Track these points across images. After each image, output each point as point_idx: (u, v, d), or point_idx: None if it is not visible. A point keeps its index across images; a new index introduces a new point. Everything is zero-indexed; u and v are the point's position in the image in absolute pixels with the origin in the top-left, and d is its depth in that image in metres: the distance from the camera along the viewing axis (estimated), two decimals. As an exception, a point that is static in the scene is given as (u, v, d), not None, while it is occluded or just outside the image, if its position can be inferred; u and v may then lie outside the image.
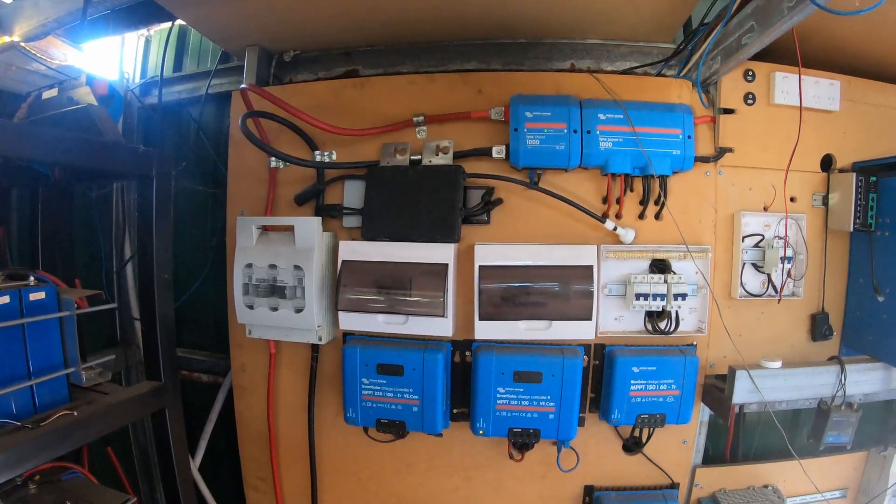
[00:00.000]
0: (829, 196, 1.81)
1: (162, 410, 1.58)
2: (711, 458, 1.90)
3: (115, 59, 2.28)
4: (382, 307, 1.59)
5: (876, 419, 2.04)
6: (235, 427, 1.91)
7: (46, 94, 1.93)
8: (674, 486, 1.80)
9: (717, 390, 1.70)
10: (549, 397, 1.56)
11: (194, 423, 2.02)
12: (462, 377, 1.67)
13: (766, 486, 1.89)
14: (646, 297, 1.61)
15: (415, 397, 1.59)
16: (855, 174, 1.70)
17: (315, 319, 1.61)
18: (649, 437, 1.72)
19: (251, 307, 1.65)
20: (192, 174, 2.05)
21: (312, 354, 1.73)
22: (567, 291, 1.57)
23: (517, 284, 1.57)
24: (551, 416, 1.57)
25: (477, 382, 1.57)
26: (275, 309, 1.64)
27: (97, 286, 2.09)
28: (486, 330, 1.58)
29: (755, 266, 1.78)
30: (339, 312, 1.61)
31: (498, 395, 1.56)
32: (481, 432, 1.59)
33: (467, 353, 1.67)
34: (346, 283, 1.60)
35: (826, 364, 1.71)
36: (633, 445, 1.74)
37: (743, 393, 1.62)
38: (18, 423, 1.21)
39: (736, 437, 1.94)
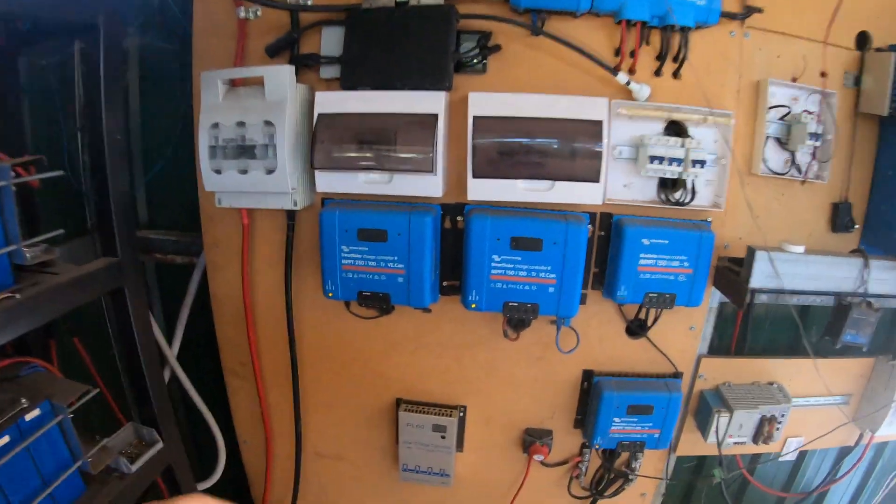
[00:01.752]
0: (863, 77, 1.48)
1: (120, 290, 1.29)
2: (717, 349, 1.63)
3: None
4: (364, 164, 1.28)
5: (886, 327, 1.76)
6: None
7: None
8: (677, 374, 1.55)
9: (731, 273, 1.41)
10: (549, 268, 1.27)
11: (173, 309, 1.76)
12: (453, 246, 1.38)
13: (771, 383, 1.64)
14: (661, 160, 1.30)
15: (400, 266, 1.29)
16: (894, 55, 1.38)
17: (288, 181, 1.30)
18: (655, 319, 1.44)
19: (219, 172, 1.34)
20: (156, 34, 1.68)
21: (288, 223, 1.43)
22: (573, 149, 1.25)
23: (517, 139, 1.25)
24: (551, 290, 1.29)
25: (469, 249, 1.28)
26: (244, 172, 1.33)
27: (59, 167, 1.77)
28: (480, 190, 1.27)
29: (779, 141, 1.46)
30: (316, 172, 1.30)
31: (493, 264, 1.27)
32: (473, 306, 1.31)
33: (459, 219, 1.37)
34: (322, 138, 1.28)
35: (849, 256, 1.40)
36: (637, 328, 1.47)
37: (761, 277, 1.33)
38: None
39: (743, 330, 1.68)
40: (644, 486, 1.68)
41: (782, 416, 1.57)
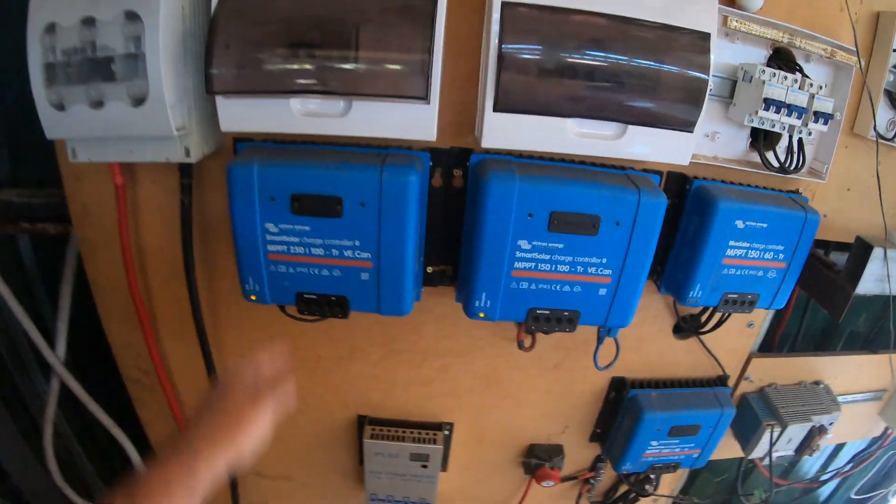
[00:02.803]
0: None
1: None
2: (764, 345, 1.20)
3: None
4: (301, 83, 0.66)
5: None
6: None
7: None
8: (723, 378, 1.10)
9: (825, 269, 0.94)
10: (605, 260, 0.74)
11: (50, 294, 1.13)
12: (444, 213, 0.82)
13: (817, 383, 1.25)
14: (779, 107, 0.75)
15: (365, 255, 0.73)
16: None
17: (170, 115, 0.67)
18: (721, 321, 0.96)
19: (60, 107, 0.70)
20: None
21: (182, 181, 0.81)
22: (660, 74, 0.68)
23: (569, 53, 0.66)
24: (602, 291, 0.77)
25: (482, 228, 0.72)
26: (99, 104, 0.69)
27: None
28: (504, 131, 0.70)
29: (890, 96, 0.94)
30: (217, 98, 0.68)
31: (518, 253, 0.73)
32: (482, 315, 0.78)
33: (456, 172, 0.80)
34: (226, 39, 0.65)
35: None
36: (690, 328, 0.99)
37: (871, 281, 0.89)
38: None
39: (787, 324, 1.25)
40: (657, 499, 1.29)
41: (831, 424, 1.21)
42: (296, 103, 0.69)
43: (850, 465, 1.56)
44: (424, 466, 1.07)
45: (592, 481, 1.23)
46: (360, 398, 1.08)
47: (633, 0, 0.67)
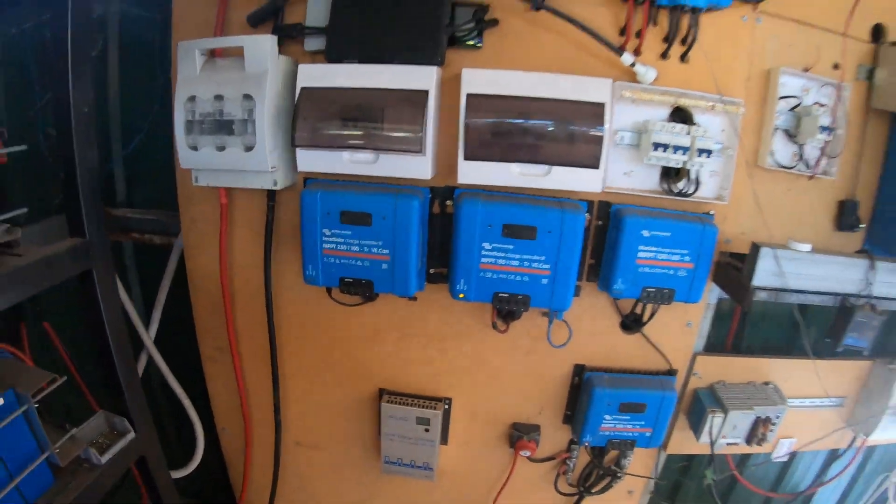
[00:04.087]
0: (876, 71, 1.43)
1: (89, 272, 1.22)
2: (712, 346, 1.60)
3: None
4: (348, 143, 1.21)
5: (886, 330, 1.72)
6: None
7: None
8: (671, 372, 1.51)
9: (733, 269, 1.37)
10: (543, 258, 1.22)
11: (152, 291, 1.70)
12: (441, 231, 1.33)
13: (767, 384, 1.61)
14: (665, 148, 1.24)
15: (385, 252, 1.24)
16: None
17: (268, 159, 1.24)
18: (652, 315, 1.40)
19: (195, 148, 1.28)
20: (139, 2, 1.60)
21: (268, 203, 1.37)
22: (572, 132, 1.19)
23: (513, 120, 1.19)
24: (544, 281, 1.24)
25: (459, 235, 1.22)
26: (221, 149, 1.26)
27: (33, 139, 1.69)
28: (471, 172, 1.22)
29: (787, 133, 1.41)
30: (297, 150, 1.24)
31: (483, 252, 1.22)
32: (461, 296, 1.26)
33: (448, 203, 1.32)
34: (304, 114, 1.21)
35: (857, 257, 1.37)
36: (632, 323, 1.43)
37: (765, 275, 1.30)
38: None
39: (740, 328, 1.64)
40: (632, 484, 1.66)
41: (777, 417, 1.55)
42: (345, 155, 1.23)
43: (828, 476, 1.86)
44: (427, 430, 1.51)
45: (568, 462, 1.61)
46: (381, 374, 1.55)
47: (551, 85, 1.19)
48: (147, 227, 1.66)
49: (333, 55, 1.23)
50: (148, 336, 1.68)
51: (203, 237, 1.48)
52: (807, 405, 1.67)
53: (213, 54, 1.30)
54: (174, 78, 1.35)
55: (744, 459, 1.82)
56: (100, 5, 1.58)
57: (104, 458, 1.24)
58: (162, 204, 1.68)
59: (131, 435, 1.31)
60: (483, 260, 1.23)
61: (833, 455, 1.86)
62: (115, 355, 1.28)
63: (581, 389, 1.49)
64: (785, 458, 1.75)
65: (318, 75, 1.22)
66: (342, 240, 1.25)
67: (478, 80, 1.18)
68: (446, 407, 1.55)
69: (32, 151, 1.25)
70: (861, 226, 1.53)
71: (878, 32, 1.42)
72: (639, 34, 1.26)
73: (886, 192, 1.52)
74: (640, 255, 1.27)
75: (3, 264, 1.06)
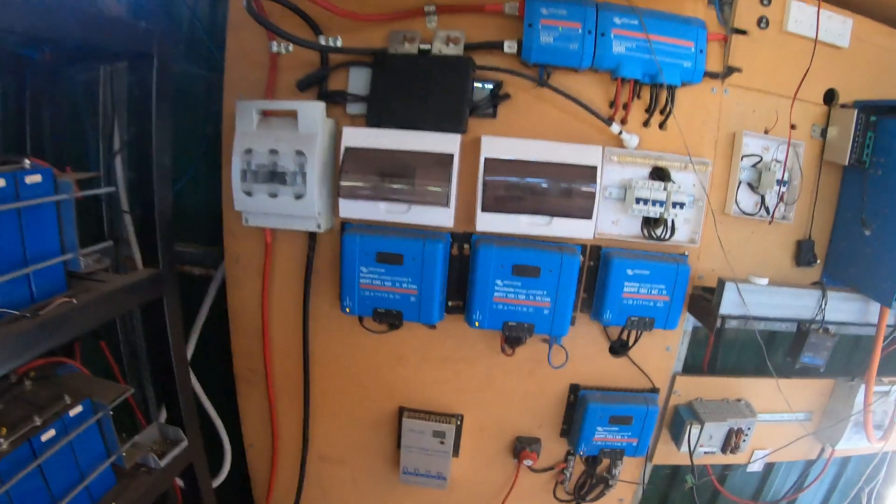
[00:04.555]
0: (829, 129, 1.78)
1: (160, 300, 1.48)
2: (690, 368, 1.91)
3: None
4: (385, 195, 1.51)
5: (847, 351, 2.08)
6: (226, 320, 1.84)
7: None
8: (654, 390, 1.81)
9: (704, 301, 1.69)
10: (545, 292, 1.52)
11: (186, 316, 1.95)
12: (459, 270, 1.62)
13: (739, 400, 1.92)
14: (645, 202, 1.56)
15: (413, 287, 1.53)
16: (856, 111, 1.67)
17: (315, 206, 1.52)
18: (636, 340, 1.71)
19: (249, 194, 1.56)
20: (185, 61, 1.89)
21: (310, 243, 1.66)
22: (570, 189, 1.51)
23: (521, 179, 1.50)
24: (546, 312, 1.54)
25: (475, 273, 1.52)
26: (274, 196, 1.55)
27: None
28: (487, 222, 1.52)
29: (750, 186, 1.75)
30: (340, 200, 1.53)
31: (496, 288, 1.52)
32: (477, 324, 1.55)
33: (465, 246, 1.61)
34: (348, 169, 1.51)
35: (809, 288, 1.71)
36: (619, 347, 1.73)
37: (730, 305, 1.61)
38: (17, 312, 1.11)
39: (715, 351, 1.95)
40: (622, 493, 1.94)
41: (748, 428, 1.85)
42: (382, 205, 1.53)
43: (805, 484, 2.17)
44: (442, 443, 1.78)
45: (565, 472, 1.90)
46: (402, 393, 1.82)
47: (553, 151, 1.50)
48: (187, 258, 1.93)
49: (374, 121, 1.54)
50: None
51: (245, 271, 1.75)
52: (777, 419, 1.97)
53: (265, 113, 1.60)
54: (227, 130, 1.65)
55: (724, 470, 2.12)
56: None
57: (163, 463, 1.48)
58: (200, 239, 1.96)
59: (185, 443, 1.56)
60: (496, 294, 1.52)
61: (809, 467, 2.17)
62: (177, 373, 1.54)
63: (577, 405, 1.78)
64: (760, 468, 2.06)
65: (360, 137, 1.52)
66: (377, 276, 1.53)
67: (494, 146, 1.50)
68: (458, 422, 1.83)
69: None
70: (817, 261, 1.87)
71: (829, 96, 1.77)
72: (625, 106, 1.60)
73: (838, 231, 1.84)
74: (626, 289, 1.57)
75: (93, 289, 1.30)
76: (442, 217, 1.51)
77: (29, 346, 1.09)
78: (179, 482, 1.68)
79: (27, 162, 1.19)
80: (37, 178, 1.19)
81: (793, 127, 1.73)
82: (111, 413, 1.35)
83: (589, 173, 1.50)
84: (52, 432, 1.19)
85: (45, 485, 1.17)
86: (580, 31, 1.50)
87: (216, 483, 1.97)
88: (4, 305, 1.10)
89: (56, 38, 1.34)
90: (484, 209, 1.49)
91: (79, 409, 1.27)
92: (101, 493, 1.35)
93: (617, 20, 1.51)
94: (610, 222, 1.63)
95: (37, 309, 1.14)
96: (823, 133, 1.79)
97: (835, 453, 2.08)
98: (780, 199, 1.76)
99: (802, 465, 2.22)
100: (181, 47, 1.87)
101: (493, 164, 1.48)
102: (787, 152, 1.69)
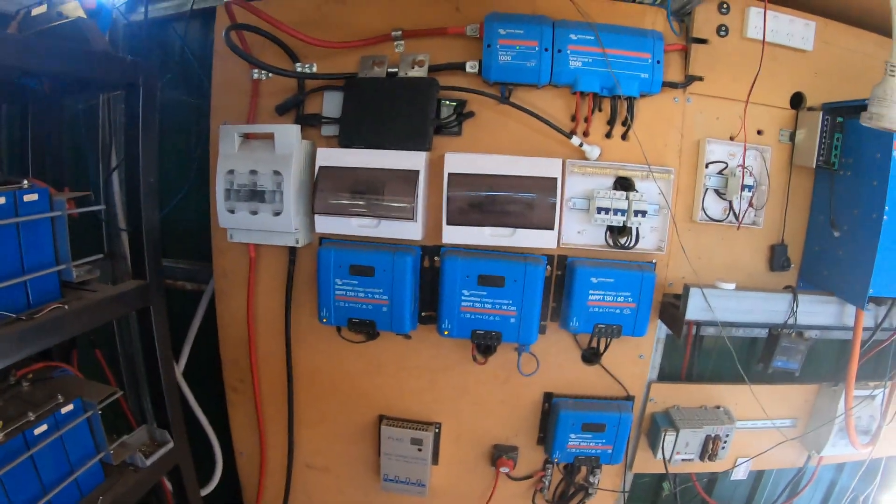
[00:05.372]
0: (797, 132, 1.83)
1: (147, 309, 1.62)
2: (667, 376, 1.96)
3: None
4: (356, 211, 1.62)
5: (831, 356, 2.10)
6: (215, 335, 1.96)
7: (35, 11, 1.92)
8: (629, 398, 1.87)
9: (672, 308, 1.75)
10: (510, 301, 1.61)
11: (180, 330, 2.07)
12: (431, 282, 1.73)
13: (718, 407, 1.96)
14: (607, 211, 1.65)
15: (385, 297, 1.63)
16: (822, 113, 1.72)
17: (292, 222, 1.65)
18: (606, 347, 1.78)
19: (232, 211, 1.69)
20: (177, 87, 2.06)
21: (290, 258, 1.79)
22: (532, 201, 1.60)
23: (484, 193, 1.60)
24: (512, 320, 1.62)
25: (443, 285, 1.63)
26: (254, 213, 1.68)
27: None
28: (453, 235, 1.63)
29: (717, 192, 1.81)
30: (316, 216, 1.65)
31: (462, 298, 1.62)
32: (446, 332, 1.65)
33: (436, 259, 1.72)
34: (322, 187, 1.63)
35: (779, 292, 1.76)
36: (591, 356, 1.80)
37: (696, 310, 1.68)
38: (14, 316, 1.26)
39: (692, 359, 2.00)
40: (603, 501, 1.99)
41: (727, 435, 1.89)
42: (354, 220, 1.65)
43: (786, 495, 2.18)
44: (420, 450, 1.86)
45: (544, 479, 1.95)
46: (381, 402, 1.92)
47: (515, 166, 1.61)
48: (180, 275, 2.07)
49: (345, 141, 1.67)
50: (177, 368, 2.04)
51: (232, 285, 1.87)
52: (759, 426, 2.00)
53: (247, 136, 1.72)
54: (213, 152, 1.78)
55: (711, 479, 2.14)
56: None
57: (148, 462, 1.60)
58: (189, 256, 2.09)
59: (171, 444, 1.67)
60: (463, 303, 1.62)
61: (799, 473, 2.17)
62: (164, 377, 1.66)
63: (550, 412, 1.84)
64: (745, 476, 2.08)
65: (333, 157, 1.64)
66: (351, 287, 1.64)
67: (457, 161, 1.61)
68: (436, 430, 1.91)
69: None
70: (791, 265, 1.90)
71: (797, 100, 1.83)
72: (586, 119, 1.69)
73: (811, 234, 1.88)
74: (591, 297, 1.65)
75: (84, 298, 1.45)
76: (410, 230, 1.62)
77: (24, 346, 1.25)
78: (169, 486, 1.78)
79: (26, 182, 1.36)
80: (34, 196, 1.35)
81: (759, 132, 1.81)
82: (100, 412, 1.48)
83: (549, 185, 1.59)
84: (44, 427, 1.32)
85: (36, 475, 1.31)
86: (537, 48, 1.61)
87: (208, 490, 2.08)
88: (3, 309, 1.26)
89: (50, 72, 1.49)
90: (449, 222, 1.60)
91: (70, 407, 1.41)
92: (90, 488, 1.48)
93: (573, 36, 1.62)
94: (575, 232, 1.71)
95: (32, 313, 1.29)
96: (792, 137, 1.84)
97: (823, 460, 2.10)
98: (749, 204, 1.80)
99: (793, 472, 2.22)
100: (171, 76, 2.03)
101: (457, 179, 1.59)
102: (744, 157, 1.74)
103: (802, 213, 1.89)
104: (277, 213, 1.65)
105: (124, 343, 2.18)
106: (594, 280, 1.64)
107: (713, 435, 1.87)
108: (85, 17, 1.79)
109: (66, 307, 1.36)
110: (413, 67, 1.67)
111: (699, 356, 2.01)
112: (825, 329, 1.83)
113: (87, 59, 1.43)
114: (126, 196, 1.58)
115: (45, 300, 1.37)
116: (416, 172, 1.59)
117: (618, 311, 1.68)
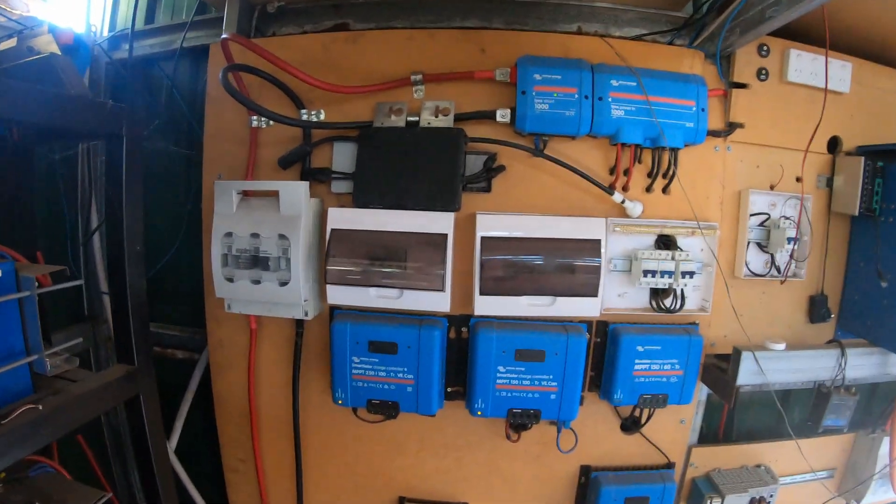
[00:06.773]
0: (835, 178, 1.72)
1: (136, 397, 1.38)
2: (705, 436, 1.81)
3: (81, 11, 2.01)
4: (375, 281, 1.42)
5: (864, 401, 1.98)
6: (212, 406, 1.74)
7: (3, 45, 1.68)
8: (670, 465, 1.71)
9: (718, 370, 1.60)
10: (551, 377, 1.43)
11: (169, 401, 1.84)
12: (458, 354, 1.53)
13: (758, 466, 1.82)
14: (653, 273, 1.48)
15: (409, 377, 1.44)
16: (863, 158, 1.61)
17: (301, 293, 1.44)
18: (649, 417, 1.61)
19: (231, 280, 1.47)
20: (165, 134, 1.82)
21: (297, 330, 1.56)
22: (573, 266, 1.43)
23: (521, 258, 1.42)
24: (553, 397, 1.45)
25: (476, 361, 1.43)
26: (257, 282, 1.46)
27: (61, 258, 1.87)
28: (486, 306, 1.44)
29: (759, 245, 1.68)
30: (328, 286, 1.44)
31: (498, 375, 1.43)
32: (479, 413, 1.46)
33: (463, 329, 1.52)
34: (335, 253, 1.43)
35: (827, 347, 1.64)
36: (631, 425, 1.64)
37: (747, 374, 1.53)
38: None
39: (730, 417, 1.87)
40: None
41: (771, 496, 1.75)
42: (372, 290, 1.44)
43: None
44: (446, 534, 1.67)
45: (580, 555, 1.78)
46: (401, 483, 1.71)
47: (554, 228, 1.43)
48: (169, 342, 1.83)
49: (361, 201, 1.46)
50: (170, 445, 1.81)
51: (230, 358, 1.65)
52: (798, 480, 1.88)
53: (246, 194, 1.51)
54: (206, 210, 1.57)
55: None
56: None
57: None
58: (179, 321, 1.86)
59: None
60: (499, 381, 1.43)
61: None
62: (156, 469, 1.43)
63: (588, 488, 1.67)
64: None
65: (347, 218, 1.44)
66: (370, 366, 1.44)
67: (490, 223, 1.42)
68: (463, 510, 1.72)
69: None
70: (832, 316, 1.79)
71: (833, 144, 1.71)
72: (626, 172, 1.53)
73: (850, 283, 1.77)
74: (637, 367, 1.49)
75: (65, 391, 1.21)
76: (437, 301, 1.42)
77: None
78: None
79: (-16, 252, 1.10)
80: (-4, 273, 1.10)
81: (798, 180, 1.68)
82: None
83: (593, 247, 1.43)
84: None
85: None
86: (577, 96, 1.44)
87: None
88: (-38, 412, 1.01)
89: (16, 119, 1.26)
90: (482, 292, 1.41)
91: (51, 526, 1.17)
92: None
93: (614, 82, 1.46)
94: (616, 295, 1.55)
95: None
96: (829, 182, 1.73)
97: (860, 508, 1.99)
98: (791, 256, 1.68)
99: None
100: (159, 122, 1.79)
101: (490, 243, 1.41)
102: (801, 209, 1.63)
103: (839, 261, 1.77)
104: (284, 283, 1.44)
105: (111, 423, 1.93)
106: (640, 349, 1.48)
107: (758, 497, 1.73)
108: (59, 53, 1.56)
109: (41, 406, 1.11)
110: (436, 116, 1.48)
111: (737, 414, 1.88)
112: (871, 381, 1.73)
113: (60, 105, 1.20)
114: (108, 267, 1.35)
115: (15, 398, 1.14)
116: (445, 236, 1.40)
117: (664, 379, 1.52)
